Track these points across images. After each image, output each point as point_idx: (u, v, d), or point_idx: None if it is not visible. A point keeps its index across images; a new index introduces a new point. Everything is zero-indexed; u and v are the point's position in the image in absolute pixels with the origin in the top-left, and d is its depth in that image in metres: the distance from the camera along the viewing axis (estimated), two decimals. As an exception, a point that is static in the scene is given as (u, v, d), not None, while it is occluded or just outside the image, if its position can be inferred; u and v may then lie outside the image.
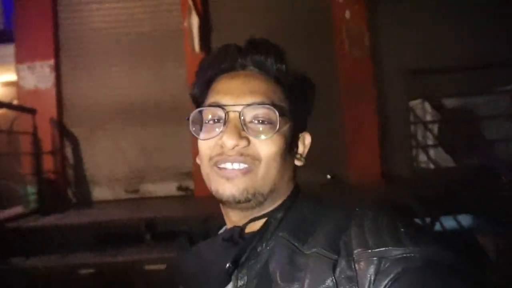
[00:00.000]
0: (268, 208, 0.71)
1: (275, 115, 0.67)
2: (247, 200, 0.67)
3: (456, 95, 3.55)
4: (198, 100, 0.76)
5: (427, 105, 3.48)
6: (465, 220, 3.00)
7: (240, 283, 0.65)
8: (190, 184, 4.33)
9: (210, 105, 0.70)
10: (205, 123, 0.71)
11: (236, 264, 0.65)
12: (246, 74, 0.71)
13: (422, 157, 3.54)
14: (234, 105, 0.67)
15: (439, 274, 0.52)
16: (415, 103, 3.61)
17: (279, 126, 0.67)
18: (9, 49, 4.56)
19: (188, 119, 0.72)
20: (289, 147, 0.71)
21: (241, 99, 0.68)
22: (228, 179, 0.67)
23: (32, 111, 3.79)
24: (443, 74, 3.62)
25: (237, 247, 0.67)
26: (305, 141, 0.77)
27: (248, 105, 0.67)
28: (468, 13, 4.22)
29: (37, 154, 3.84)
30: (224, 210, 0.74)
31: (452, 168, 3.36)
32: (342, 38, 4.35)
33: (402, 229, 0.58)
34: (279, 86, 0.71)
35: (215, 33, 4.49)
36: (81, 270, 3.15)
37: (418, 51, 4.12)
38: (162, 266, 3.31)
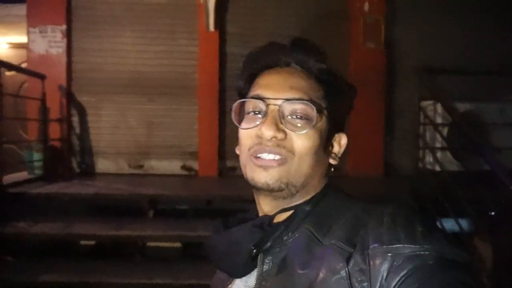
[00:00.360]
0: (298, 200, 0.73)
1: (312, 111, 0.69)
2: (280, 189, 0.70)
3: (468, 100, 3.55)
4: (242, 92, 0.79)
5: (439, 107, 3.48)
6: (465, 223, 3.06)
7: (265, 267, 0.70)
8: (194, 164, 4.35)
9: (252, 97, 0.73)
10: (247, 114, 0.74)
11: (258, 247, 0.69)
12: (289, 71, 0.74)
13: (428, 158, 3.56)
14: (275, 98, 0.70)
15: (451, 271, 0.54)
16: (427, 104, 3.60)
17: (316, 122, 0.69)
18: (19, 9, 4.46)
19: (231, 109, 0.76)
20: (324, 144, 0.73)
21: (281, 93, 0.70)
22: (264, 168, 0.70)
23: (42, 77, 3.75)
24: (457, 76, 3.60)
25: (262, 234, 0.70)
26: (341, 142, 0.78)
27: (288, 99, 0.70)
28: (488, 18, 4.16)
29: (44, 120, 3.82)
30: (256, 198, 0.78)
31: (457, 172, 3.38)
32: (358, 29, 4.31)
33: (419, 228, 0.59)
34: (319, 85, 0.73)
35: (230, 12, 4.42)
36: (83, 240, 3.19)
37: (434, 50, 4.09)
38: (163, 244, 3.37)
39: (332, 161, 0.77)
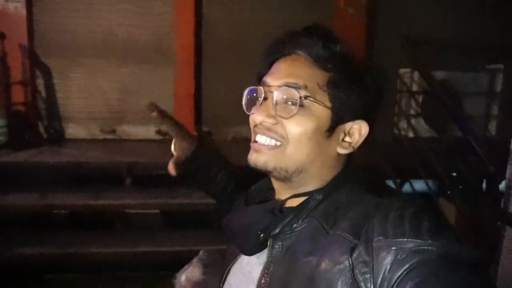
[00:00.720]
0: (308, 187, 0.75)
1: (297, 96, 0.70)
2: (268, 172, 0.74)
3: (444, 69, 3.64)
4: (260, 79, 0.80)
5: (416, 75, 3.55)
6: (433, 184, 3.26)
7: (274, 252, 0.72)
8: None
9: (259, 84, 0.77)
10: (257, 99, 0.76)
11: (265, 233, 0.72)
12: (293, 58, 0.74)
13: (403, 125, 3.68)
14: (270, 85, 0.73)
15: (455, 268, 0.54)
16: (404, 71, 3.67)
17: (301, 108, 0.70)
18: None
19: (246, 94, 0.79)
20: (325, 132, 0.72)
21: (279, 80, 0.72)
22: (255, 151, 0.75)
23: (1, 35, 3.43)
24: (437, 46, 3.65)
25: (271, 218, 0.73)
26: (362, 131, 0.75)
27: (279, 86, 0.72)
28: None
29: (6, 83, 3.54)
30: None
31: (430, 138, 3.53)
32: (340, -6, 4.23)
33: (426, 223, 0.59)
34: (321, 71, 0.72)
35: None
36: (60, 210, 3.09)
37: (416, 19, 4.09)
38: (142, 211, 3.33)
39: (340, 150, 0.74)
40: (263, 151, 0.73)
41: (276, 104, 0.71)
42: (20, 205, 2.89)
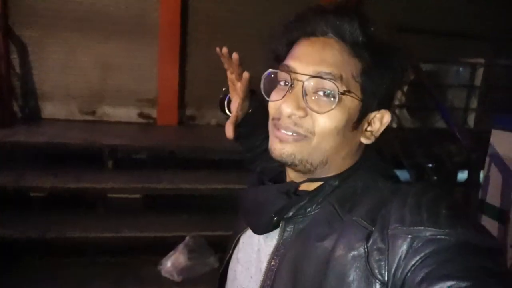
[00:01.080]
0: (325, 174, 0.72)
1: (336, 89, 0.64)
2: (294, 164, 0.69)
3: (430, 61, 3.68)
4: (279, 58, 0.73)
5: (402, 66, 3.58)
6: (414, 173, 3.35)
7: (285, 235, 0.72)
8: (153, 112, 4.12)
9: (281, 69, 0.70)
10: (278, 83, 0.71)
11: (279, 215, 0.71)
12: (324, 41, 0.67)
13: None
14: (301, 73, 0.66)
15: (471, 256, 0.53)
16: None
17: (338, 102, 0.65)
18: None
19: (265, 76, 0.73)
20: (353, 124, 0.69)
21: (310, 67, 0.66)
22: (280, 140, 0.69)
23: (-28, 6, 3.19)
24: (425, 36, 3.68)
25: (286, 201, 0.70)
26: (383, 120, 0.72)
27: (313, 76, 0.65)
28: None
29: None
30: None
31: (413, 128, 3.60)
32: (327, -22, 4.16)
33: (444, 211, 0.58)
34: (356, 59, 0.66)
35: None
36: (39, 193, 2.96)
37: (404, 8, 4.10)
38: (125, 195, 3.25)
39: (364, 140, 0.72)
40: (289, 142, 0.68)
41: (306, 94, 0.65)
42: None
